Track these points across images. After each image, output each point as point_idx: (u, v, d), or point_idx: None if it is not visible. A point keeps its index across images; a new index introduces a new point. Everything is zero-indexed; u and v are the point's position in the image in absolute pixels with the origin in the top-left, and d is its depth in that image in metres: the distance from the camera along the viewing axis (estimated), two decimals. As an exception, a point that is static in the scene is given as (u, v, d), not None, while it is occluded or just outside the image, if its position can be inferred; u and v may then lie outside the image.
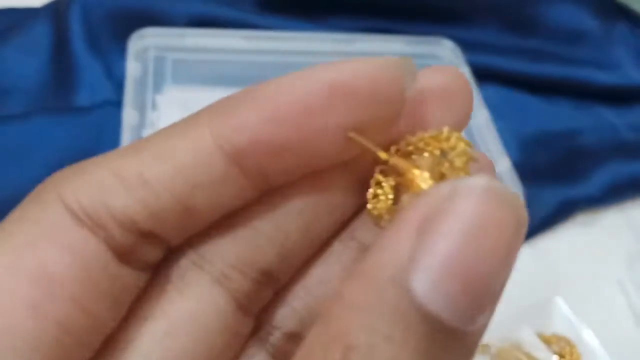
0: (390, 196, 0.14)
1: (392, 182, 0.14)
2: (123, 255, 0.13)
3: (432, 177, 0.13)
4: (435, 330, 0.10)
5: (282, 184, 0.14)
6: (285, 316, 0.15)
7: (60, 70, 0.48)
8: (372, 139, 0.13)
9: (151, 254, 0.13)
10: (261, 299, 0.15)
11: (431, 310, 0.10)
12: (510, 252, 0.10)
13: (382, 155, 0.13)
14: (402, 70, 0.13)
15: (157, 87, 0.46)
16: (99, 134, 0.45)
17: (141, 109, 0.43)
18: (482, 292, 0.10)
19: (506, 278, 0.11)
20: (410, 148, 0.14)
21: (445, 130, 0.14)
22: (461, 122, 0.15)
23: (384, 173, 0.14)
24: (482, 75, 0.51)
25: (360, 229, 0.15)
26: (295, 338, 0.15)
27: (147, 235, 0.13)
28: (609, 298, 0.45)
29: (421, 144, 0.14)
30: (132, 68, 0.45)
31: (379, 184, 0.14)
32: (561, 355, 0.39)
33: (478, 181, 0.11)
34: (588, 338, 0.41)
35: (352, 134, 0.13)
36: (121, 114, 0.42)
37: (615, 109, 0.55)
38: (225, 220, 0.14)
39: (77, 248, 0.12)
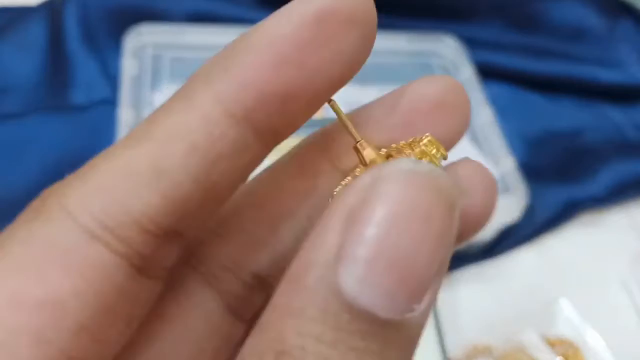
0: None
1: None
2: (142, 265, 0.12)
3: None
4: (371, 324, 0.10)
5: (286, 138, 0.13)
6: None
7: (56, 69, 0.48)
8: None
9: (170, 256, 0.12)
10: (252, 303, 0.15)
11: (363, 306, 0.10)
12: (441, 236, 0.10)
13: (357, 136, 0.13)
14: None
15: (155, 85, 0.45)
16: (95, 132, 0.44)
17: (138, 107, 0.43)
18: (414, 280, 0.10)
19: (443, 261, 0.10)
20: (387, 151, 0.14)
21: (424, 136, 0.14)
22: (457, 133, 0.15)
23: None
24: (486, 72, 0.51)
25: None
26: None
27: (167, 235, 0.12)
28: (613, 299, 0.44)
29: (396, 150, 0.14)
30: (128, 65, 0.45)
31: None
32: (565, 358, 0.39)
33: (402, 164, 0.10)
34: (592, 340, 0.40)
35: (333, 101, 0.13)
36: (117, 113, 0.42)
37: (620, 108, 0.54)
38: (221, 224, 0.14)
39: (89, 269, 0.11)
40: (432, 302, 0.10)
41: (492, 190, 0.14)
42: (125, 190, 0.11)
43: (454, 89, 0.14)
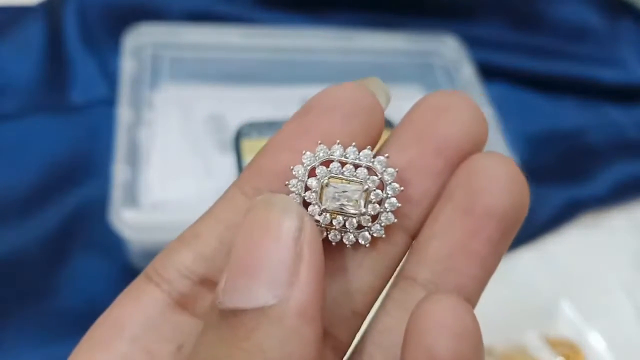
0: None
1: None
2: (183, 302, 0.15)
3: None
4: (237, 317, 0.12)
5: None
6: None
7: (54, 69, 0.48)
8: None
9: (207, 299, 0.15)
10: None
11: (227, 306, 0.12)
12: (278, 235, 0.12)
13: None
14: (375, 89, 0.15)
15: (154, 85, 0.45)
16: (94, 132, 0.44)
17: (137, 107, 0.43)
18: (257, 272, 0.12)
19: (276, 251, 0.12)
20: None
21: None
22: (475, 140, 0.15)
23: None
24: (487, 72, 0.50)
25: (408, 263, 0.15)
26: None
27: (203, 282, 0.15)
28: (614, 300, 0.44)
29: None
30: (127, 65, 0.44)
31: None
32: (566, 358, 0.39)
33: (257, 198, 0.13)
34: (594, 341, 0.40)
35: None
36: (116, 112, 0.42)
37: (621, 108, 0.54)
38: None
39: (143, 298, 0.15)
40: (308, 291, 0.12)
41: (514, 181, 0.14)
42: (174, 250, 0.15)
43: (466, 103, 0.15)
